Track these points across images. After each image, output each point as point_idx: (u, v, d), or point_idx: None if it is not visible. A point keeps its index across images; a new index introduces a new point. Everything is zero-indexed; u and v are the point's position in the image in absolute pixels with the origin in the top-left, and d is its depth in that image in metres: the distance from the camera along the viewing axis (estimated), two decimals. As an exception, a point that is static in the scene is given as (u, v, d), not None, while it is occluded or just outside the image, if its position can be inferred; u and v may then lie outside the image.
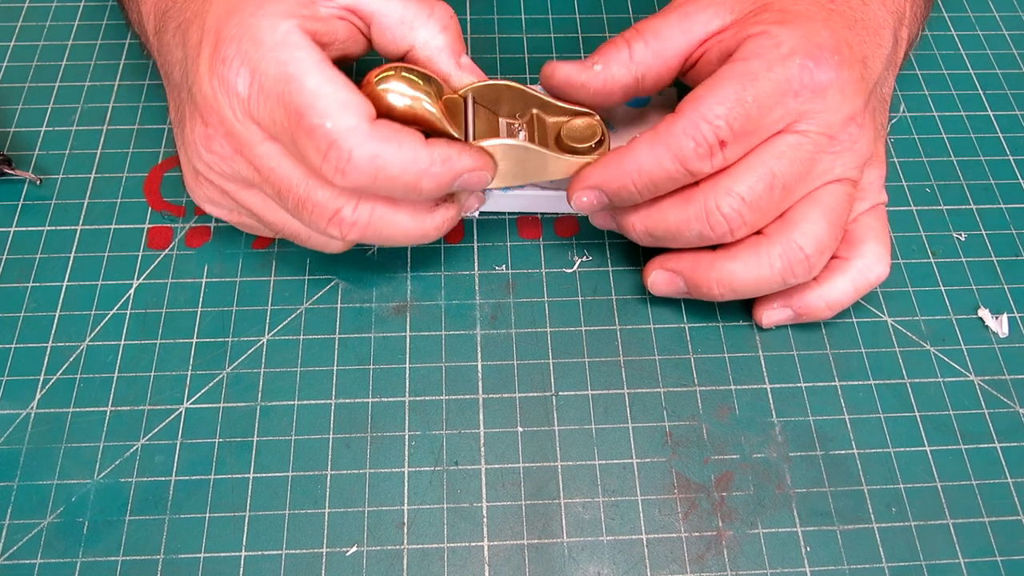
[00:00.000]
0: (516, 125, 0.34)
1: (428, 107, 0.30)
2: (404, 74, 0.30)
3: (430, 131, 0.30)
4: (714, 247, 0.33)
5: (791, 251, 0.31)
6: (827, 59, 0.30)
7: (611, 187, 0.32)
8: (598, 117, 0.34)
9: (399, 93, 0.29)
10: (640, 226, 0.33)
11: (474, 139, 0.32)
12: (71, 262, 0.36)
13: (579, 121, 0.33)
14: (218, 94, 0.28)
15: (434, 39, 0.32)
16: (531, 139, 0.33)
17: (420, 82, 0.30)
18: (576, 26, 0.44)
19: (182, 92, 0.31)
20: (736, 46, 0.31)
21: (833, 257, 0.33)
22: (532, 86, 0.34)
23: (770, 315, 0.35)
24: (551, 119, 0.34)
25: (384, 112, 0.29)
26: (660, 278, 0.35)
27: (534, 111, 0.34)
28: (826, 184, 0.31)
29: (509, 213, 0.38)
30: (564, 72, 0.33)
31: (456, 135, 0.31)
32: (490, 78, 0.33)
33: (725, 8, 0.32)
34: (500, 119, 0.34)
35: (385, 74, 0.30)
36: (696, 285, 0.33)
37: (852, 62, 0.30)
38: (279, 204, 0.30)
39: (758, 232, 0.32)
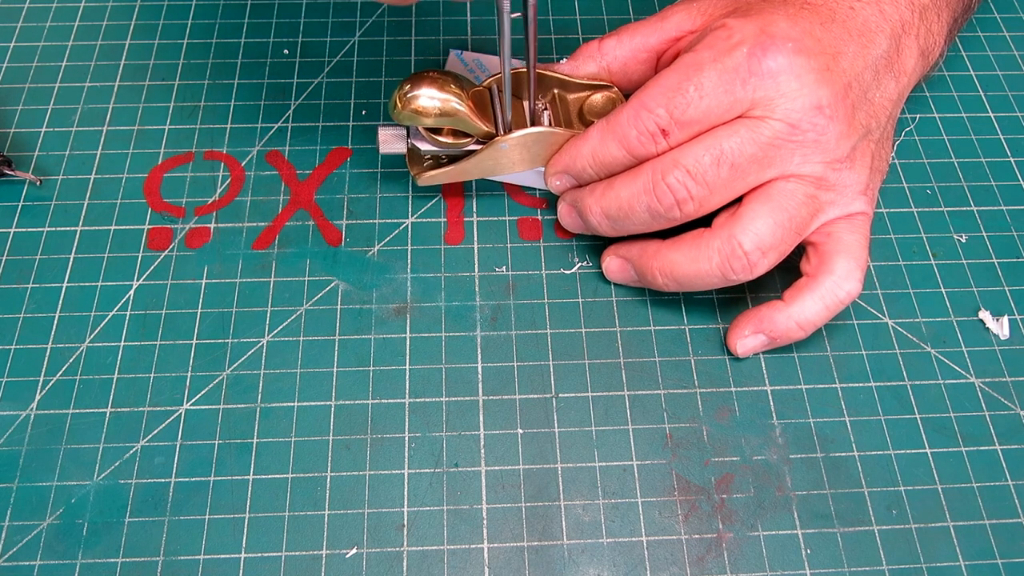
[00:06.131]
0: (540, 105, 0.36)
1: (457, 106, 0.32)
2: (430, 77, 0.33)
3: (462, 126, 0.33)
4: (664, 237, 0.33)
5: (729, 247, 0.31)
6: (778, 46, 0.30)
7: (574, 170, 0.35)
8: (615, 89, 0.35)
9: (428, 96, 0.32)
10: (597, 208, 0.34)
11: (507, 132, 0.34)
12: (71, 263, 0.36)
13: (599, 96, 0.35)
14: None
15: None
16: (555, 118, 0.36)
17: (451, 84, 0.33)
18: (577, 27, 0.44)
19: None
20: (699, 41, 0.32)
21: (803, 275, 0.33)
22: (550, 64, 0.36)
23: (744, 343, 0.34)
24: (572, 96, 0.36)
25: (419, 113, 0.32)
26: (613, 264, 0.36)
27: (555, 91, 0.36)
28: (782, 178, 0.31)
29: (509, 205, 0.38)
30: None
31: (486, 128, 0.34)
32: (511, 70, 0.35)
33: (699, 12, 0.34)
34: (524, 102, 0.36)
35: (414, 81, 0.32)
36: (642, 272, 0.34)
37: (814, 52, 0.30)
38: None
39: (708, 226, 0.32)
